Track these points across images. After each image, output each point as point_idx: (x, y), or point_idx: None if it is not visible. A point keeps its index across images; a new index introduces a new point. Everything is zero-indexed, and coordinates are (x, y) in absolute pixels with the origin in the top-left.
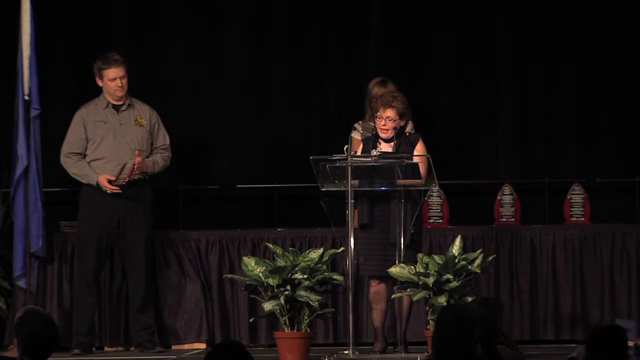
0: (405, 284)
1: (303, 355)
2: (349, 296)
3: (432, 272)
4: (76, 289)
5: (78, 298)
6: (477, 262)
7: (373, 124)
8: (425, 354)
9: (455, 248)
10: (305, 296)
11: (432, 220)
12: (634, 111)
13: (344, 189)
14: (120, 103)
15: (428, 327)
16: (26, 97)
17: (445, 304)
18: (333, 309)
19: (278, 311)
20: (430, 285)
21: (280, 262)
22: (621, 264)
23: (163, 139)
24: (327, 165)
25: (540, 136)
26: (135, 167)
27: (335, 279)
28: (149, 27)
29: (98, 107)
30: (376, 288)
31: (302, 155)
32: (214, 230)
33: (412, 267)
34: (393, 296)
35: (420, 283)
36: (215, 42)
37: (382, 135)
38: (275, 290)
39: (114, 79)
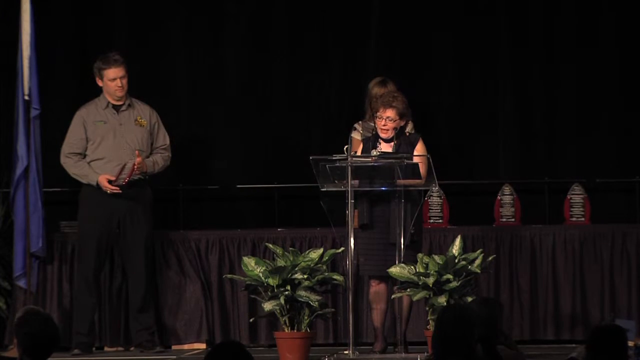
0: (405, 284)
1: (303, 355)
2: (349, 296)
3: (432, 272)
4: (76, 289)
5: (78, 298)
6: (477, 262)
7: (373, 124)
8: (425, 354)
9: (455, 248)
10: (305, 296)
11: (432, 220)
12: (634, 111)
13: (344, 189)
14: (120, 103)
15: (428, 327)
16: (26, 97)
17: (445, 304)
18: (333, 309)
19: (278, 311)
20: (430, 285)
21: (280, 262)
22: (621, 264)
23: (163, 139)
24: (327, 165)
25: (540, 136)
26: (135, 167)
27: (335, 279)
28: (149, 27)
29: (98, 107)
30: (376, 288)
31: (302, 155)
32: (214, 230)
33: (412, 267)
34: (393, 296)
35: (420, 283)
36: (215, 42)
37: (382, 135)
38: (275, 290)
39: (114, 79)
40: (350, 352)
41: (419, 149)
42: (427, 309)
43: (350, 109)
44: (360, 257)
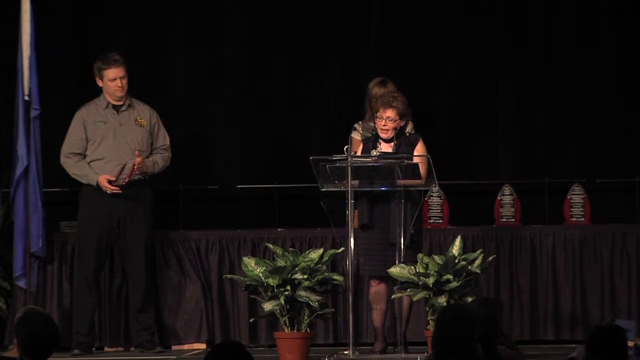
0: (405, 284)
1: (303, 355)
2: (349, 296)
3: (432, 272)
4: (76, 289)
5: (78, 298)
6: (477, 262)
7: (373, 124)
8: (425, 354)
9: (455, 248)
10: (305, 296)
11: (432, 221)
12: (634, 111)
13: (344, 189)
14: (120, 103)
15: (428, 327)
16: (26, 97)
17: (445, 304)
18: (333, 309)
19: (278, 311)
20: (430, 286)
21: (280, 262)
22: (621, 264)
23: (163, 139)
24: (327, 166)
25: (540, 136)
26: (135, 167)
27: (335, 279)
28: (149, 27)
29: (98, 107)
30: (376, 288)
31: (302, 155)
32: (214, 230)
33: (412, 267)
34: (393, 296)
35: (420, 283)
36: (215, 42)
37: (382, 135)
38: (275, 290)
39: (114, 79)
40: (350, 352)
41: (419, 149)
42: (427, 309)
43: (350, 109)
44: (360, 257)
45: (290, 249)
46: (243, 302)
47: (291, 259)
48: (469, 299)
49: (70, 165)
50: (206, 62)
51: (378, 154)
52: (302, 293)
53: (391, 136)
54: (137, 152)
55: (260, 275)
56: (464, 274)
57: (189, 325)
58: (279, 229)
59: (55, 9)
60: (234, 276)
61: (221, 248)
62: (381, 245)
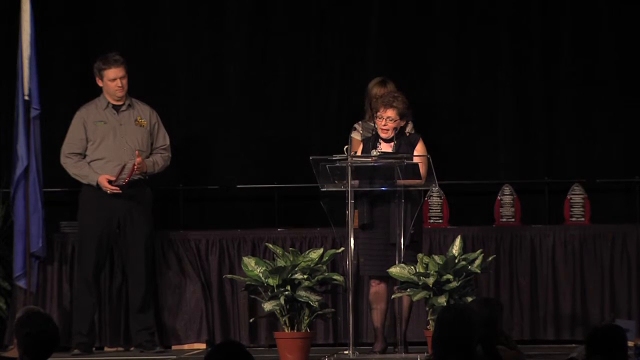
0: (405, 284)
1: (303, 355)
2: (349, 296)
3: (432, 272)
4: (76, 289)
5: (78, 298)
6: (477, 262)
7: (373, 124)
8: (425, 354)
9: (455, 248)
10: (305, 296)
11: (432, 221)
12: (634, 111)
13: (344, 189)
14: (120, 103)
15: (428, 327)
16: (26, 97)
17: (445, 304)
18: (333, 309)
19: (278, 311)
20: (430, 286)
21: (280, 263)
22: (621, 264)
23: (163, 139)
24: (327, 166)
25: (540, 136)
26: (135, 167)
27: (335, 279)
28: (149, 27)
29: (98, 107)
30: (376, 288)
31: (302, 155)
32: (214, 230)
33: (412, 267)
34: (393, 296)
35: (420, 283)
36: (216, 42)
37: (383, 135)
38: (275, 290)
39: (114, 79)
40: (350, 352)
41: (419, 149)
42: (427, 309)
43: (350, 109)
44: (360, 257)
45: (290, 249)
46: (243, 302)
47: (291, 259)
48: (469, 299)
49: (70, 165)
50: (206, 62)
51: (378, 154)
52: (302, 293)
53: (391, 136)
54: (137, 152)
55: (260, 275)
56: (464, 274)
57: (189, 325)
58: (279, 229)
59: (55, 9)
60: (234, 276)
61: (221, 248)
62: (381, 245)
